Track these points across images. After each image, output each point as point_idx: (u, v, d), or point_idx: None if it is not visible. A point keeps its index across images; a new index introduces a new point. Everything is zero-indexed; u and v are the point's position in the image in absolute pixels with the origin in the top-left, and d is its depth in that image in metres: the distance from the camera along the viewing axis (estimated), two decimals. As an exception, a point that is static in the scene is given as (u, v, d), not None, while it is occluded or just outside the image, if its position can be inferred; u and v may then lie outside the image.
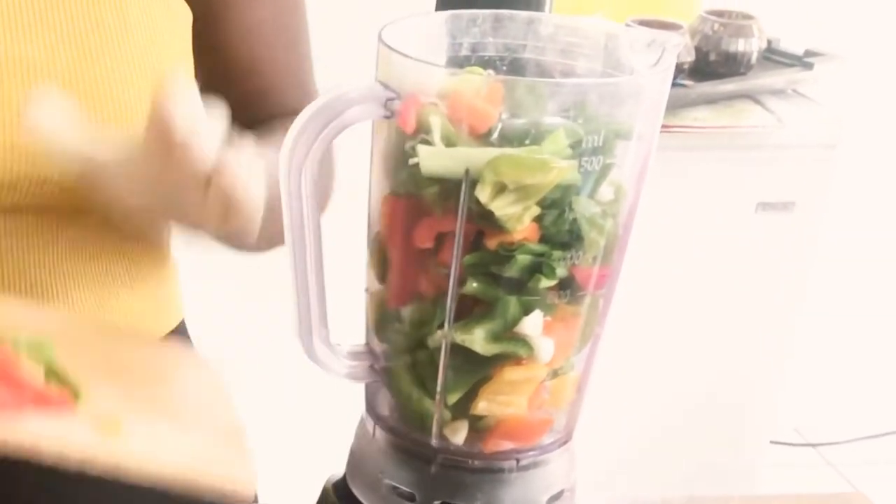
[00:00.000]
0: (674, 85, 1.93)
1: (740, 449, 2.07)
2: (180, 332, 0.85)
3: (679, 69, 1.90)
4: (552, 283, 0.51)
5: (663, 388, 2.00)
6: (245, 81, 0.79)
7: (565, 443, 0.57)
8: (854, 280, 2.60)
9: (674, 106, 1.88)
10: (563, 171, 0.49)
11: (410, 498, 0.54)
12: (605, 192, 0.52)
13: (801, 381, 2.26)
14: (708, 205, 1.91)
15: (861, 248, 2.58)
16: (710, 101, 1.93)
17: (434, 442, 0.54)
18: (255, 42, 0.78)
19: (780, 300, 1.98)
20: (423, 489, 0.54)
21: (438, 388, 0.53)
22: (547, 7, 1.84)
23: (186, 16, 0.74)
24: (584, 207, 0.51)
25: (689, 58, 1.92)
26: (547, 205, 0.50)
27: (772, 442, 2.10)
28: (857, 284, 2.61)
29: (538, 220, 0.50)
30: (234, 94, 0.75)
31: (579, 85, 0.53)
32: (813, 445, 2.44)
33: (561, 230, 0.51)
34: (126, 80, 0.68)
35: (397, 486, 0.54)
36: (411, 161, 0.51)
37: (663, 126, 1.91)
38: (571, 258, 0.51)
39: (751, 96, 1.97)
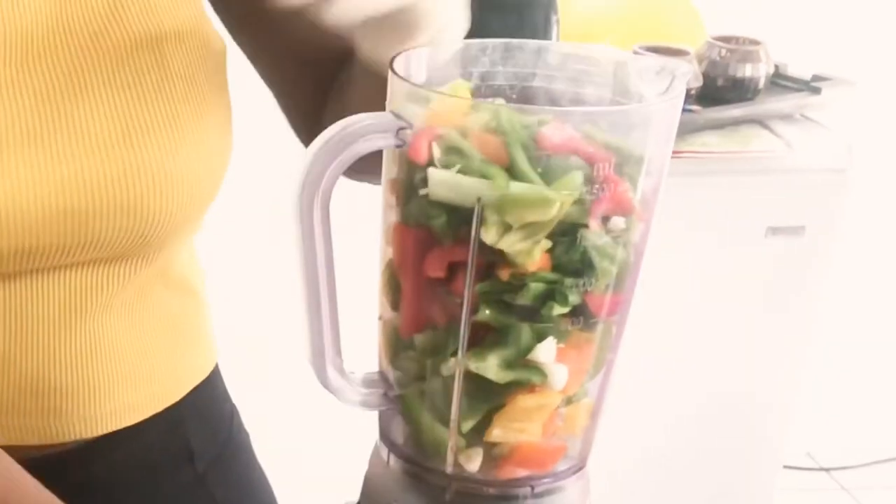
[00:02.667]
0: (681, 110, 1.94)
1: (753, 474, 2.06)
2: (215, 373, 0.86)
3: (686, 95, 1.90)
4: (565, 310, 0.51)
5: (675, 412, 2.00)
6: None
7: (580, 469, 0.57)
8: (865, 304, 2.60)
9: (681, 131, 1.89)
10: (565, 205, 0.49)
11: (426, 526, 0.54)
12: (617, 221, 0.52)
13: (814, 405, 2.26)
14: (717, 230, 1.91)
15: (872, 272, 2.57)
16: (718, 126, 1.94)
17: (449, 469, 0.54)
18: None
19: (791, 325, 1.98)
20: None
21: (452, 416, 0.53)
22: (554, 36, 1.85)
23: (222, 49, 0.74)
24: (594, 237, 0.51)
25: (697, 83, 1.93)
26: (557, 235, 0.50)
27: (785, 467, 2.10)
28: (868, 309, 2.61)
29: (549, 249, 0.50)
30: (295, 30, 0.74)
31: (588, 113, 0.54)
32: (826, 470, 2.43)
33: (572, 260, 0.51)
34: (172, 130, 0.68)
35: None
36: (422, 191, 0.51)
37: (672, 152, 1.91)
38: (584, 285, 0.51)
39: (759, 121, 1.98)
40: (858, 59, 2.21)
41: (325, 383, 0.54)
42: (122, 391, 0.75)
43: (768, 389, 2.01)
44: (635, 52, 1.94)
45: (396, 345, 0.55)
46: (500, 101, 0.55)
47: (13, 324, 0.70)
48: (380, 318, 0.56)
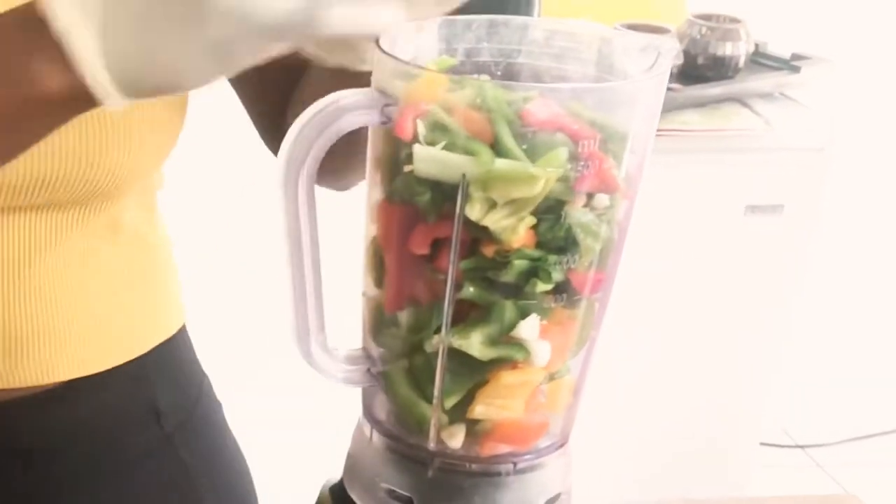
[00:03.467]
0: (663, 88, 1.90)
1: (730, 450, 2.08)
2: (182, 335, 0.86)
3: (667, 73, 1.90)
4: (548, 287, 0.51)
5: (653, 391, 2.01)
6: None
7: (561, 446, 0.57)
8: (842, 283, 2.62)
9: (662, 109, 1.88)
10: (550, 182, 0.49)
11: (408, 501, 0.54)
12: (601, 198, 0.51)
13: (791, 382, 2.27)
14: (697, 208, 1.92)
15: (850, 250, 2.59)
16: (699, 104, 1.94)
17: (431, 446, 0.54)
18: None
19: (769, 303, 1.99)
20: (420, 493, 0.54)
21: (436, 393, 0.53)
22: (536, 13, 1.84)
23: None
24: (578, 214, 0.51)
25: (677, 61, 1.93)
26: (542, 211, 0.50)
27: (761, 444, 2.11)
28: (845, 287, 2.62)
29: (534, 226, 0.50)
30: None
31: (574, 90, 0.54)
32: (802, 447, 2.45)
33: (556, 236, 0.51)
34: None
35: (395, 489, 0.55)
36: (407, 168, 0.51)
37: (652, 130, 1.85)
38: (567, 263, 0.51)
39: (739, 100, 1.98)
40: (838, 39, 2.22)
41: (308, 359, 0.54)
42: (76, 340, 0.76)
43: (746, 367, 2.02)
44: (615, 30, 1.94)
45: (380, 321, 0.55)
46: (485, 77, 0.55)
47: None
48: (363, 294, 0.56)
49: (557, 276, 0.51)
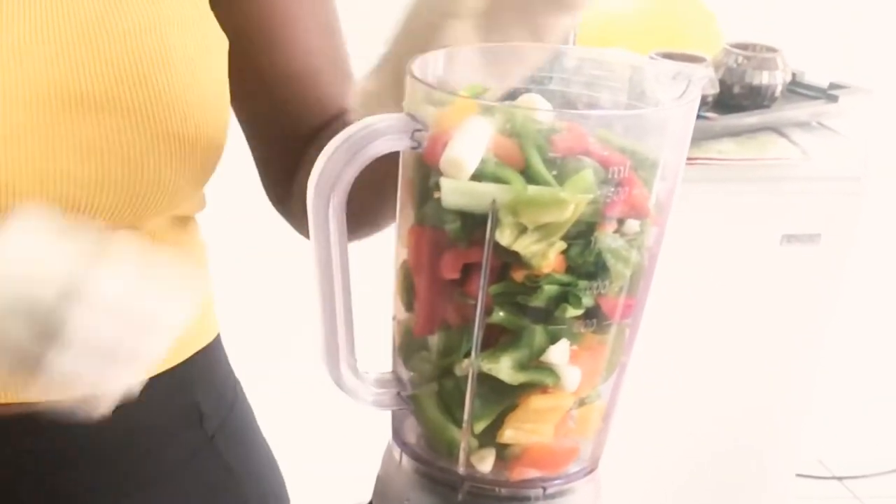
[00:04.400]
0: (698, 117, 1.94)
1: (766, 481, 2.06)
2: (217, 343, 0.87)
3: (703, 102, 1.90)
4: (578, 312, 0.51)
5: (687, 420, 1.99)
6: (292, 82, 0.80)
7: (591, 471, 0.57)
8: (879, 312, 2.59)
9: (698, 138, 1.89)
10: (580, 207, 0.50)
11: (438, 525, 0.55)
12: (631, 223, 0.52)
13: (827, 413, 2.25)
14: (733, 237, 1.91)
15: (886, 281, 2.56)
16: (735, 133, 1.94)
17: (461, 470, 0.54)
18: (298, 42, 0.79)
19: (805, 333, 1.97)
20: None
21: (465, 417, 0.53)
22: (571, 42, 1.85)
23: (223, 43, 0.76)
24: (608, 239, 0.51)
25: (713, 90, 1.93)
26: (572, 237, 0.50)
27: (797, 475, 2.09)
28: (882, 316, 2.60)
29: (564, 251, 0.51)
30: (282, 100, 0.77)
31: (603, 117, 0.54)
32: (839, 478, 2.42)
33: (587, 262, 0.51)
34: (170, 106, 0.70)
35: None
36: (436, 194, 0.51)
37: (688, 159, 1.91)
38: (597, 288, 0.52)
39: (775, 129, 1.98)
40: (876, 67, 2.21)
41: (338, 383, 0.54)
42: None
43: (781, 397, 2.00)
44: (652, 59, 1.94)
45: (410, 345, 0.55)
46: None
47: None
48: (394, 318, 0.56)
49: (587, 301, 0.51)
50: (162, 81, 0.70)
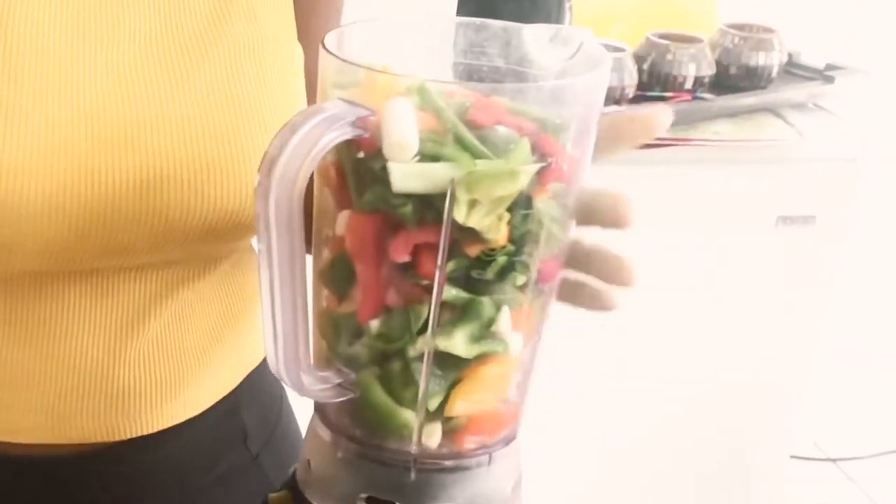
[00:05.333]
0: (694, 98, 1.94)
1: (760, 464, 2.06)
2: (263, 364, 0.85)
3: (700, 83, 1.90)
4: (525, 279, 0.52)
5: (681, 402, 1.99)
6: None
7: (515, 435, 0.58)
8: (875, 294, 2.58)
9: (694, 119, 1.88)
10: (528, 176, 0.50)
11: (388, 505, 0.55)
12: (557, 187, 0.53)
13: (822, 395, 2.25)
14: (728, 219, 1.91)
15: (882, 262, 2.56)
16: (731, 114, 1.93)
17: (413, 449, 0.54)
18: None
19: (800, 315, 1.97)
20: (403, 495, 0.55)
21: (420, 396, 0.53)
22: (567, 21, 1.84)
23: (301, 55, 0.75)
24: (545, 206, 0.52)
25: (710, 71, 1.92)
26: (512, 206, 0.51)
27: (792, 457, 2.09)
28: (877, 298, 2.59)
29: (508, 222, 0.51)
30: None
31: (513, 90, 0.54)
32: (833, 460, 2.42)
33: (530, 229, 0.52)
34: (265, 124, 0.68)
35: (374, 497, 0.55)
36: (366, 172, 0.51)
37: (683, 139, 1.92)
38: (539, 254, 0.53)
39: (771, 110, 1.97)
40: (872, 49, 2.20)
41: (298, 389, 0.53)
42: (187, 387, 0.76)
43: (777, 379, 2.00)
44: (649, 39, 1.93)
45: (348, 333, 0.54)
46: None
47: (86, 324, 0.71)
48: (322, 310, 0.56)
49: (531, 267, 0.52)
50: (258, 104, 0.68)
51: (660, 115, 0.56)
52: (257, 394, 0.85)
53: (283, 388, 0.90)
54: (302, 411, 0.91)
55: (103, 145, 0.64)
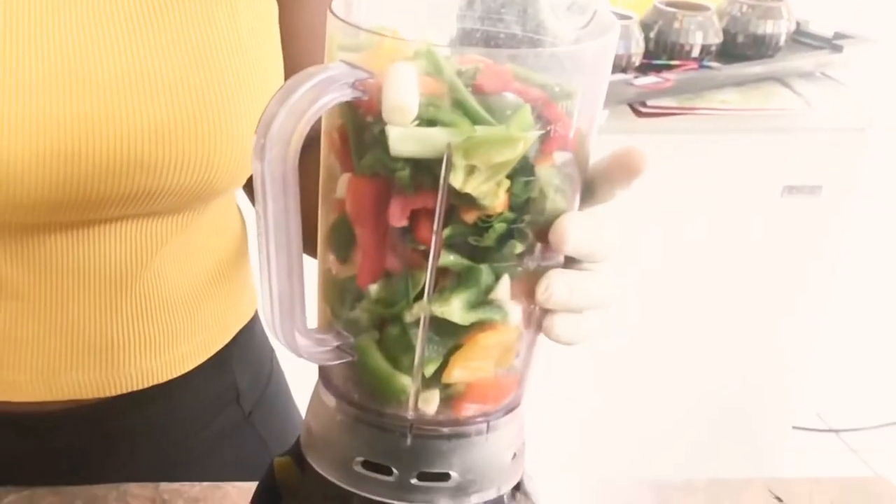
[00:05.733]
0: (701, 67, 1.93)
1: (762, 433, 2.07)
2: (255, 322, 0.88)
3: (707, 51, 1.89)
4: (523, 247, 0.52)
5: (687, 371, 1.99)
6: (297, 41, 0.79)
7: (519, 403, 0.58)
8: (880, 266, 2.58)
9: (701, 88, 1.87)
10: (527, 144, 0.50)
11: (385, 470, 0.54)
12: (561, 155, 0.52)
13: (825, 366, 2.25)
14: (734, 188, 1.90)
15: (888, 232, 2.55)
16: (738, 83, 1.92)
17: (410, 414, 0.54)
18: (305, 40, 0.78)
19: (804, 285, 1.97)
20: (399, 461, 0.54)
21: (416, 361, 0.53)
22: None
23: (275, 9, 0.75)
24: (547, 173, 0.51)
25: (717, 40, 1.91)
26: (513, 173, 0.50)
27: (794, 427, 2.09)
28: (883, 270, 2.58)
29: (508, 189, 0.51)
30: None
31: (516, 56, 0.53)
32: (835, 431, 2.42)
33: (530, 197, 0.51)
34: (239, 75, 0.68)
35: (370, 461, 0.55)
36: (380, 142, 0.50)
37: (689, 108, 1.91)
38: (538, 222, 0.52)
39: (779, 79, 1.96)
40: (881, 17, 2.17)
41: (293, 348, 0.53)
42: (175, 343, 0.77)
43: (780, 350, 2.00)
44: (656, 7, 1.91)
45: (349, 297, 0.54)
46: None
47: (75, 281, 0.71)
48: (325, 273, 0.56)
49: (531, 235, 0.52)
50: (231, 55, 0.68)
51: (635, 150, 0.54)
52: (248, 352, 0.86)
53: (273, 348, 0.91)
54: (293, 375, 0.92)
55: (78, 101, 0.64)
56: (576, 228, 0.51)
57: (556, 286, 0.52)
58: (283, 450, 0.86)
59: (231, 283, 0.82)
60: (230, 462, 0.84)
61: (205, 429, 0.83)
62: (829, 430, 2.42)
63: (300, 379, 0.92)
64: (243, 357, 0.85)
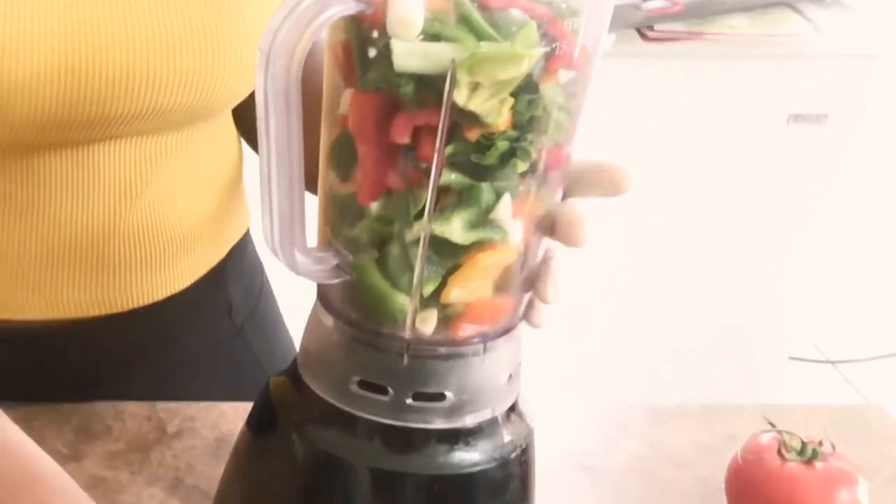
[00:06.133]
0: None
1: (759, 363, 2.08)
2: (247, 237, 0.89)
3: (717, -26, 1.86)
4: (526, 166, 0.51)
5: (686, 298, 2.00)
6: None
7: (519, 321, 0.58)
8: (883, 198, 2.57)
9: (710, 13, 1.84)
10: (533, 60, 0.49)
11: (381, 389, 0.54)
12: (565, 74, 0.51)
13: (825, 297, 2.25)
14: (739, 116, 1.88)
15: (893, 163, 2.53)
16: (747, 8, 1.89)
17: (407, 334, 0.54)
18: None
19: (807, 215, 1.96)
20: (395, 381, 0.54)
21: (415, 280, 0.52)
22: None
23: None
24: (551, 92, 0.51)
25: (728, -37, 1.87)
26: (517, 91, 0.50)
27: (791, 358, 2.10)
28: (885, 201, 2.58)
29: (511, 106, 0.50)
30: None
31: None
32: (832, 363, 2.44)
33: (534, 115, 0.51)
34: (240, 32, 0.68)
35: (367, 380, 0.54)
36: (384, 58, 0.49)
37: (698, 33, 1.88)
38: (541, 141, 0.52)
39: (789, 4, 1.93)
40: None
41: (292, 266, 0.53)
42: (176, 260, 0.78)
43: (781, 279, 2.00)
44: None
45: (349, 215, 0.54)
46: None
47: (77, 198, 0.71)
48: (327, 191, 0.55)
49: (534, 154, 0.51)
50: (231, 7, 0.67)
51: (625, 171, 0.55)
52: (241, 266, 0.87)
53: (263, 265, 0.92)
54: (281, 295, 0.93)
55: (86, 18, 0.63)
56: (591, 223, 0.53)
57: (563, 287, 0.55)
58: (273, 365, 0.87)
59: (227, 200, 0.82)
60: (222, 374, 0.85)
61: (200, 342, 0.84)
62: (826, 361, 2.43)
63: (288, 298, 0.93)
64: (236, 272, 0.86)
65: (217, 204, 0.81)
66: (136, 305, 0.77)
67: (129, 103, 0.66)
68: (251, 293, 0.89)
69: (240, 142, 0.86)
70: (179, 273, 0.79)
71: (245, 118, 0.84)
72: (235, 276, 0.86)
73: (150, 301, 0.77)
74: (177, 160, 0.75)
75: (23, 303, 0.74)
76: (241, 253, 0.87)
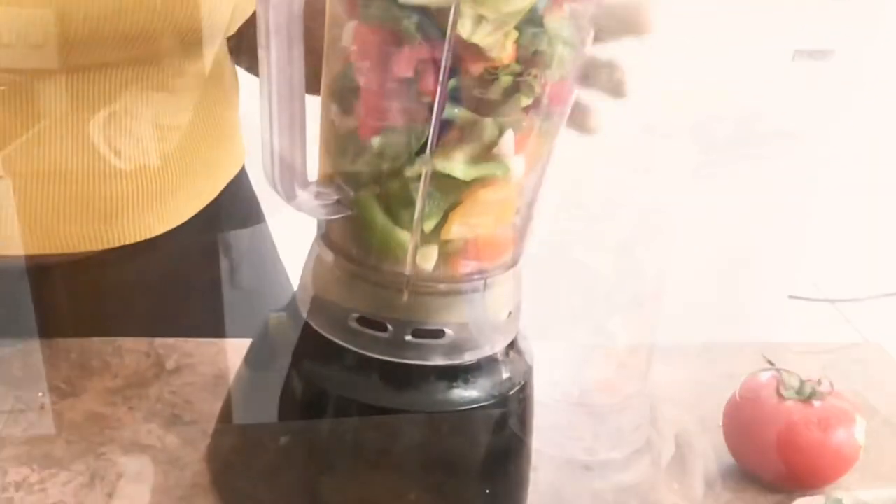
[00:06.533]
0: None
1: (758, 301, 2.08)
2: (243, 173, 0.88)
3: None
4: (530, 101, 0.50)
5: (685, 237, 1.99)
6: None
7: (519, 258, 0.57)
8: (882, 135, 2.55)
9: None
10: None
11: (380, 326, 0.54)
12: (569, 7, 0.50)
13: (823, 236, 2.25)
14: (742, 50, 1.87)
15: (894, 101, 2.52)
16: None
17: (407, 270, 0.53)
18: None
19: (807, 153, 1.95)
20: (395, 317, 0.54)
21: (416, 217, 0.52)
22: None
23: None
24: (556, 25, 0.50)
25: None
26: (521, 24, 0.49)
27: (790, 296, 2.10)
28: (885, 141, 2.56)
29: (516, 40, 0.49)
30: None
31: None
32: (831, 301, 2.44)
33: (538, 49, 0.50)
34: None
35: (367, 316, 0.54)
36: None
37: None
38: (545, 75, 0.51)
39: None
40: None
41: (292, 202, 0.53)
42: (169, 196, 0.77)
43: (780, 218, 2.00)
44: None
45: (351, 149, 0.53)
46: None
47: (70, 132, 0.70)
48: (328, 125, 0.54)
49: (537, 89, 0.50)
50: None
51: (645, 14, 0.55)
52: (236, 204, 0.86)
53: (258, 201, 0.92)
54: (279, 230, 0.93)
55: None
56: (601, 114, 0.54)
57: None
58: (269, 303, 0.87)
59: (222, 134, 0.82)
60: (220, 315, 0.84)
61: (195, 278, 0.83)
62: (825, 300, 2.43)
63: (284, 236, 0.93)
64: (231, 209, 0.86)
65: (212, 138, 0.80)
66: (132, 241, 0.76)
67: (126, 24, 0.65)
68: (246, 230, 0.89)
69: (236, 76, 0.85)
70: (175, 209, 0.78)
71: (242, 47, 0.83)
72: (231, 212, 0.85)
73: (146, 237, 0.77)
74: (172, 90, 0.74)
75: (17, 238, 0.73)
76: (237, 189, 0.86)
